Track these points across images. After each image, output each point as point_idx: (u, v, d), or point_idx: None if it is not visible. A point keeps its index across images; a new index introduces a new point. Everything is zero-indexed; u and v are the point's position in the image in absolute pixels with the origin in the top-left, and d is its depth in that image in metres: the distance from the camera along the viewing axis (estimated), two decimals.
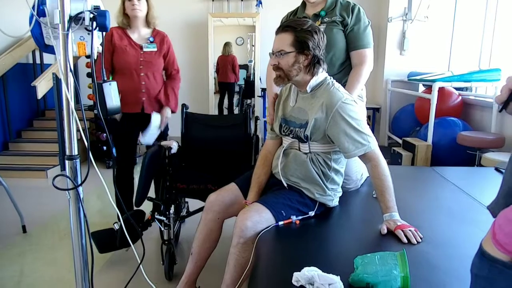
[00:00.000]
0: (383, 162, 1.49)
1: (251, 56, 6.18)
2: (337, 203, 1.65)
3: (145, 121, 2.37)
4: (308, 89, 1.56)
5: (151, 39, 2.38)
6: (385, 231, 1.38)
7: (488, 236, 0.70)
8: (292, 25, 1.51)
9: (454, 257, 1.25)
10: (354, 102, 1.53)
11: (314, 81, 1.55)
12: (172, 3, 5.40)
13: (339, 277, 1.03)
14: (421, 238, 1.34)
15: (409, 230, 1.36)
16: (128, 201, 2.40)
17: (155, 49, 2.38)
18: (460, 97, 3.95)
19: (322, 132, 1.52)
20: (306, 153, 1.59)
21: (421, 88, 4.67)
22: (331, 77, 1.61)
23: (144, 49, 2.35)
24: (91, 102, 4.52)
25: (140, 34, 2.37)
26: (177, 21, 5.46)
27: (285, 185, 1.62)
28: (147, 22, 2.37)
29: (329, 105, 1.49)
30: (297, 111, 1.61)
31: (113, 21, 1.60)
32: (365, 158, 1.50)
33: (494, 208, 0.90)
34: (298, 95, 1.64)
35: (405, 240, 1.32)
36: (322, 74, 1.57)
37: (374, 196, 1.82)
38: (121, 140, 2.40)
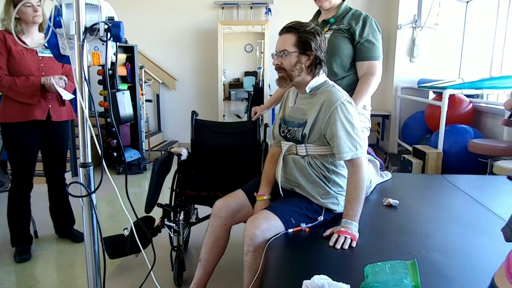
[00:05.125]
0: (364, 172, 1.49)
1: (260, 63, 6.21)
2: (343, 209, 1.64)
3: (50, 129, 2.35)
4: (307, 89, 1.58)
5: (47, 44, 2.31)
6: (327, 233, 1.43)
7: (501, 270, 0.64)
8: (295, 26, 1.55)
9: (465, 267, 1.24)
10: (353, 105, 1.55)
11: (314, 82, 1.57)
12: (182, 11, 5.47)
13: (349, 285, 1.03)
14: (351, 248, 1.35)
15: (345, 236, 1.37)
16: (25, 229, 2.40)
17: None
18: (471, 105, 3.92)
19: (319, 131, 1.53)
20: (303, 156, 1.59)
21: (431, 95, 4.64)
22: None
23: (40, 54, 2.26)
24: (101, 109, 4.58)
25: (33, 39, 2.27)
26: (187, 29, 5.53)
27: (289, 189, 1.64)
28: (41, 27, 2.29)
29: (328, 104, 1.50)
30: (296, 111, 1.63)
31: None
32: (349, 163, 1.50)
33: (508, 232, 0.83)
34: (298, 95, 1.66)
35: (331, 244, 1.36)
36: (322, 76, 1.59)
37: (384, 204, 1.82)
38: (22, 151, 2.29)
